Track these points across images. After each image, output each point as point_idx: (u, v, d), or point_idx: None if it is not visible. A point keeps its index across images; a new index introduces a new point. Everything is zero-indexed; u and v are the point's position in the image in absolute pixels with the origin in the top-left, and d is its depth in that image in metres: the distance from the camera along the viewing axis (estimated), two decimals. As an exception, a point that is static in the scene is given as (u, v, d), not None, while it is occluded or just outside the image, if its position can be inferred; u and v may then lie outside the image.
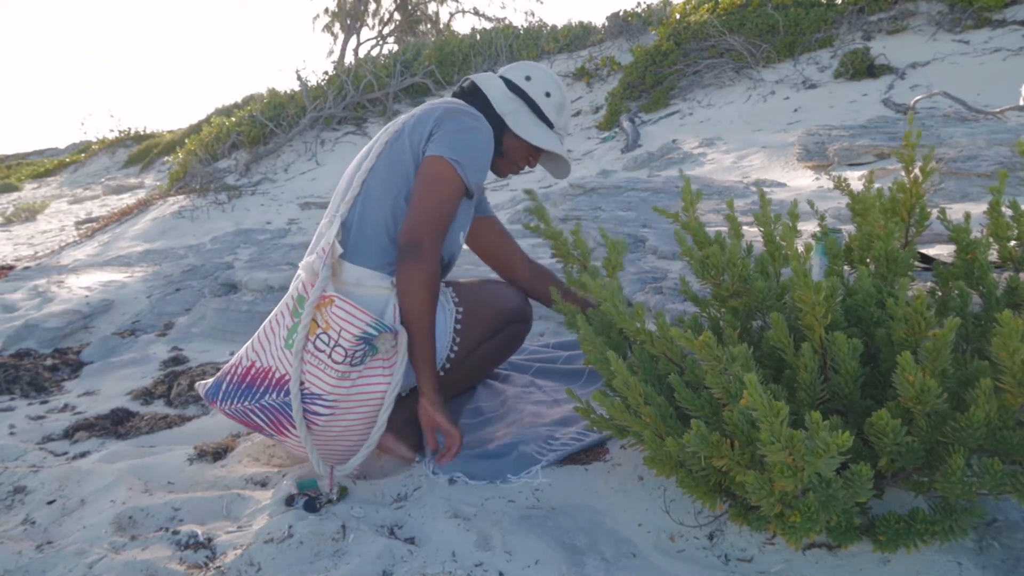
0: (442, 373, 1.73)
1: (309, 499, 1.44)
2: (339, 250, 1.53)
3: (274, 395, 1.51)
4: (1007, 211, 1.49)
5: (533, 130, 1.74)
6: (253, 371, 1.55)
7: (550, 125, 1.78)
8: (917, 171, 1.56)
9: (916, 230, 1.60)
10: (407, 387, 1.72)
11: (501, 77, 1.78)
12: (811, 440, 0.93)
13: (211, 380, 1.63)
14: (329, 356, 1.46)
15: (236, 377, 1.57)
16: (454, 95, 1.81)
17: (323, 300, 1.47)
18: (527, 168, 1.88)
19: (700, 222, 1.53)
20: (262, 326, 1.59)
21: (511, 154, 1.78)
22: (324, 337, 1.46)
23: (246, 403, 1.54)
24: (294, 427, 1.50)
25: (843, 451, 0.93)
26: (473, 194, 1.66)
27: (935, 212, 1.57)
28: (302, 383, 1.49)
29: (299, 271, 1.53)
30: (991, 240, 1.45)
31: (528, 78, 1.76)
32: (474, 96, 1.75)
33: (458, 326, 1.74)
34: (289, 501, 1.45)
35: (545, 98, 1.76)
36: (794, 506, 1.04)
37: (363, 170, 1.63)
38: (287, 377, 1.50)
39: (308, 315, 1.46)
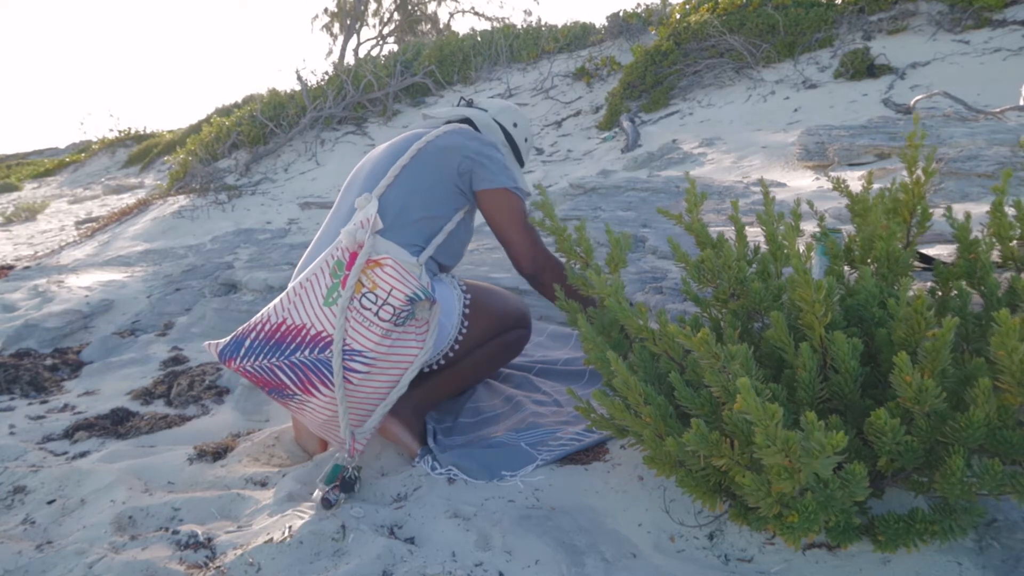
0: (451, 354, 1.82)
1: (343, 481, 1.47)
2: (379, 224, 1.62)
3: (306, 352, 1.53)
4: (1010, 211, 1.48)
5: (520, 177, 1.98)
6: (284, 328, 1.55)
7: (522, 162, 2.07)
8: (920, 172, 1.56)
9: (918, 230, 1.60)
10: (433, 360, 1.80)
11: (495, 120, 2.01)
12: (807, 441, 0.93)
13: (227, 338, 1.61)
14: (376, 314, 1.52)
15: (263, 334, 1.56)
16: (448, 123, 1.98)
17: (370, 263, 1.54)
18: None
19: (703, 223, 1.53)
20: (290, 287, 1.60)
21: None
22: (371, 296, 1.52)
23: (273, 359, 1.54)
24: (324, 385, 1.53)
25: (840, 451, 0.93)
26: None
27: (939, 211, 1.56)
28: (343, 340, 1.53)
29: (339, 238, 1.59)
30: (993, 240, 1.45)
31: (515, 125, 2.04)
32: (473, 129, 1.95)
33: (466, 310, 1.81)
34: (326, 504, 1.44)
35: (524, 143, 2.05)
36: (792, 506, 1.04)
37: (398, 165, 1.76)
38: (323, 334, 1.53)
39: (355, 276, 1.53)
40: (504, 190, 1.79)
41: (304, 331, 1.54)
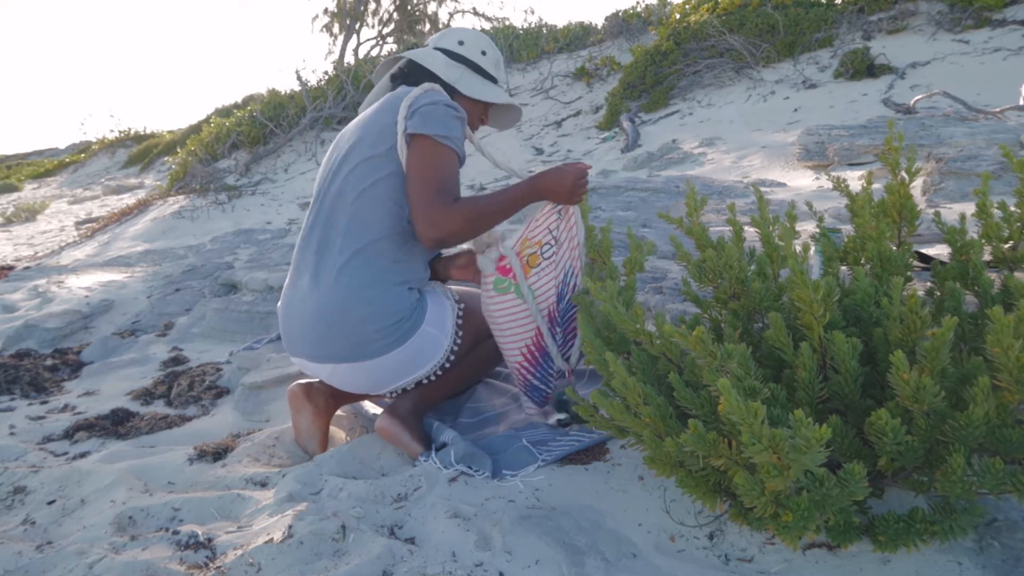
0: (447, 365, 1.78)
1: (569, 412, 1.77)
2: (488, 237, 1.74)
3: (555, 315, 1.76)
4: (997, 212, 1.50)
5: (483, 89, 1.84)
6: (530, 352, 1.74)
7: (493, 80, 1.88)
8: (903, 173, 1.58)
9: (908, 229, 1.61)
10: (431, 372, 1.77)
11: (436, 48, 1.85)
12: (794, 438, 0.93)
13: (533, 407, 1.80)
14: (562, 239, 1.78)
15: (528, 376, 1.75)
16: (393, 77, 1.86)
17: (523, 246, 1.72)
18: (481, 126, 1.96)
19: (703, 226, 1.53)
20: (499, 345, 1.78)
21: (468, 117, 1.84)
22: (547, 244, 1.74)
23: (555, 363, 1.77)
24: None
25: (838, 447, 0.93)
26: (462, 160, 1.71)
27: (930, 213, 1.57)
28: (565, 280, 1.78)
29: (483, 273, 1.71)
30: (984, 241, 1.46)
31: (461, 43, 1.85)
32: (419, 73, 1.80)
33: (459, 320, 1.79)
34: (561, 425, 1.75)
35: (482, 57, 1.86)
36: (787, 505, 1.04)
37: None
38: (551, 300, 1.74)
39: (523, 259, 1.72)
40: (423, 136, 1.60)
41: (536, 334, 1.74)
